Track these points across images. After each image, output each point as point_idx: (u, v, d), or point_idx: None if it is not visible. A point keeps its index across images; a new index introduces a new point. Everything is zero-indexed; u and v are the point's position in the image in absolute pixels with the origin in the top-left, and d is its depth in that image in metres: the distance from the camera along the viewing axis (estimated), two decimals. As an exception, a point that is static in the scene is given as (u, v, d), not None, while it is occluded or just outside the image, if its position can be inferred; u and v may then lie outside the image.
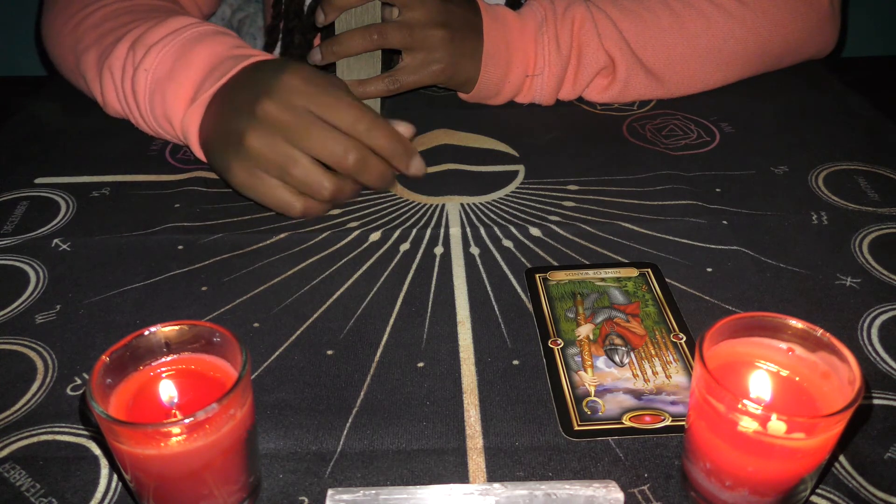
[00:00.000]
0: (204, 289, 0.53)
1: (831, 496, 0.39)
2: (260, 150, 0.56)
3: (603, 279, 0.53)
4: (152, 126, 0.66)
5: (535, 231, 0.58)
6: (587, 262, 0.55)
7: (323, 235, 0.58)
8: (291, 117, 0.56)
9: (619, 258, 0.55)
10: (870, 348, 0.48)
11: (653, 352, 0.47)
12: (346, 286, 0.53)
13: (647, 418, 0.43)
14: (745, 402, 0.33)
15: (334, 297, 0.52)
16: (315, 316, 0.51)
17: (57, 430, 0.43)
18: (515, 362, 0.47)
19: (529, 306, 0.51)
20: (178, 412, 0.37)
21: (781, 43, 0.76)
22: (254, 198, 0.58)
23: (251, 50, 0.63)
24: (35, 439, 0.42)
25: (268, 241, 0.58)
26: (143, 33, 0.64)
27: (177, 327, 0.38)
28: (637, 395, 0.44)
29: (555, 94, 0.74)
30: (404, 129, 0.63)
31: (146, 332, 0.37)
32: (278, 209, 0.58)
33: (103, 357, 0.36)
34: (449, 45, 0.68)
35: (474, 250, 0.57)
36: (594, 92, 0.75)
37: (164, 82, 0.62)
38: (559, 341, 0.48)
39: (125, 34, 0.65)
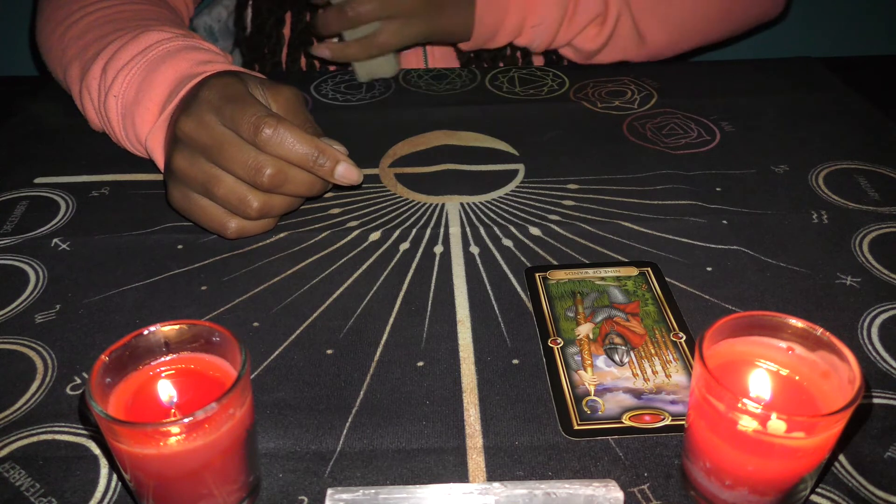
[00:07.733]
0: (203, 288, 0.53)
1: (831, 495, 0.39)
2: (184, 170, 0.54)
3: (603, 278, 0.53)
4: (129, 148, 0.65)
5: (534, 230, 0.58)
6: (587, 262, 0.55)
7: (322, 235, 0.58)
8: (206, 134, 0.52)
9: (619, 257, 0.55)
10: (870, 347, 0.48)
11: (652, 351, 0.47)
12: (345, 285, 0.53)
13: (647, 417, 0.43)
14: (744, 401, 0.33)
15: (334, 296, 0.52)
16: (315, 315, 0.51)
17: (56, 429, 0.43)
18: (515, 361, 0.47)
19: (529, 305, 0.51)
20: (177, 412, 0.37)
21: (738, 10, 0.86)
22: (190, 219, 0.56)
23: (218, 64, 0.60)
24: (35, 439, 0.42)
25: (267, 241, 0.58)
26: (116, 52, 0.62)
27: (176, 327, 0.38)
28: (637, 394, 0.44)
29: (551, 41, 0.79)
30: (337, 146, 0.56)
31: (145, 332, 0.37)
32: (213, 230, 0.56)
33: (102, 356, 0.36)
34: (424, 6, 0.74)
35: (474, 249, 0.57)
36: (584, 39, 0.80)
37: (131, 107, 0.61)
38: (559, 340, 0.48)
39: (102, 49, 0.64)
